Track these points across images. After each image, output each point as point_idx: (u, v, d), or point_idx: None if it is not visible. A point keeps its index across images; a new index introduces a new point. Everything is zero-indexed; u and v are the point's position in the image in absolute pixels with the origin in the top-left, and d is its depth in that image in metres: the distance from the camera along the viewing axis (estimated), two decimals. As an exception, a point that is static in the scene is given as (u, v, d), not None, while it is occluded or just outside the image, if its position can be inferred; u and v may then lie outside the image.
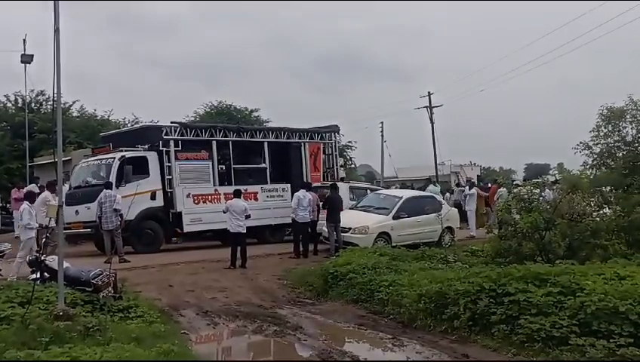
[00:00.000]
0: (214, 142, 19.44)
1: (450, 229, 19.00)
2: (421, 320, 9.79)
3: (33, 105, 31.89)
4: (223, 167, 19.83)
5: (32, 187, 17.84)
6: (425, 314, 9.84)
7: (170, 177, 18.48)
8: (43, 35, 8.89)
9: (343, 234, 17.20)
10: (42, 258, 10.27)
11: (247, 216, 15.63)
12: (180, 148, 18.76)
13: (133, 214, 17.09)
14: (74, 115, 33.56)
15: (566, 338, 8.01)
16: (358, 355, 8.52)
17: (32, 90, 32.33)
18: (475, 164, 48.68)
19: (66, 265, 9.82)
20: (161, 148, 18.51)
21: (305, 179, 20.90)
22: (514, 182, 15.94)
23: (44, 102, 32.69)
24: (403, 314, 10.25)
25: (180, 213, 18.17)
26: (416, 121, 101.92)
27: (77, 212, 17.56)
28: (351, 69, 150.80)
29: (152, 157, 18.43)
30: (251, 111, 40.71)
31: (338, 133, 23.60)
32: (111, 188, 16.35)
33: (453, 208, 20.36)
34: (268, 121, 38.97)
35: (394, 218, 17.71)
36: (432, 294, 9.81)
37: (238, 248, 15.33)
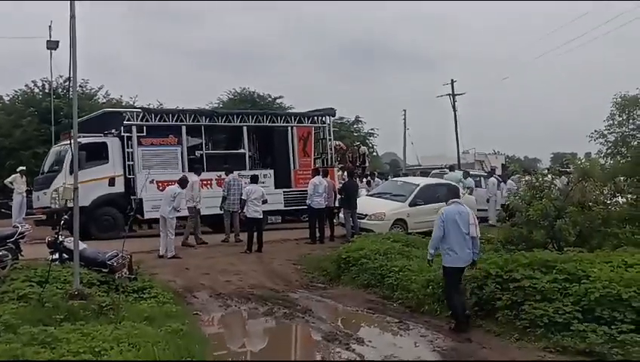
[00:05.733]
0: (184, 127, 19.09)
1: (466, 217, 18.94)
2: (428, 305, 9.93)
3: (60, 90, 32.37)
4: (200, 153, 19.39)
5: None
6: (432, 299, 9.96)
7: (132, 163, 18.15)
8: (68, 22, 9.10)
9: (359, 220, 17.29)
10: (61, 239, 10.57)
11: (264, 201, 15.86)
12: (143, 134, 18.45)
13: (89, 200, 16.78)
14: (100, 101, 34.02)
15: (568, 324, 8.11)
16: (363, 338, 8.70)
17: (61, 76, 32.81)
18: (499, 152, 48.40)
19: (82, 246, 10.17)
20: (122, 134, 18.28)
21: (292, 166, 20.67)
22: (523, 171, 15.74)
23: (70, 88, 33.17)
24: (411, 299, 10.40)
25: (142, 199, 17.50)
26: (439, 109, 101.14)
27: (38, 198, 17.96)
28: (375, 57, 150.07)
29: (113, 143, 18.22)
30: (275, 98, 40.92)
31: (333, 116, 22.95)
32: None
33: (470, 195, 20.28)
34: (291, 108, 39.11)
35: (410, 205, 17.71)
36: (439, 280, 9.89)
37: (255, 233, 15.53)
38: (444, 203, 9.68)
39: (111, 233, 16.91)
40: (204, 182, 18.20)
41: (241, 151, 20.03)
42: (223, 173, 18.04)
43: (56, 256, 10.51)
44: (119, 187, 18.06)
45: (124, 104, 33.71)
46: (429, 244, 9.35)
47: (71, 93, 9.38)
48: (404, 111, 55.76)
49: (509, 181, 22.09)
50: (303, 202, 18.73)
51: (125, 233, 11.39)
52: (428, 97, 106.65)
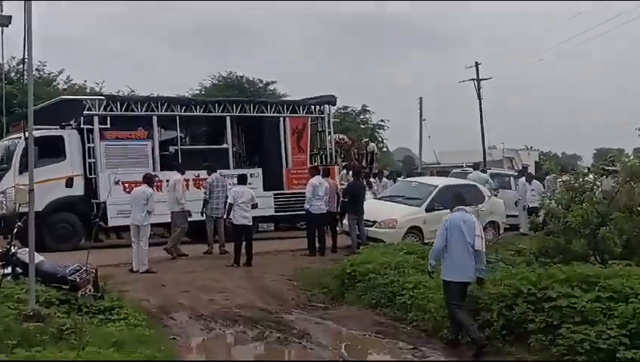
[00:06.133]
0: (155, 117, 19.13)
1: (493, 224, 19.00)
2: (447, 329, 9.90)
3: (13, 75, 32.38)
4: (175, 148, 19.49)
5: None
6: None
7: (94, 160, 18.15)
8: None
9: (366, 228, 17.34)
10: (13, 250, 10.57)
11: (254, 206, 15.88)
12: (107, 126, 18.44)
13: (42, 204, 16.28)
14: (60, 87, 34.09)
15: (613, 351, 8.08)
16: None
17: (13, 58, 32.81)
18: (532, 148, 48.45)
19: (39, 258, 10.17)
20: (82, 126, 18.29)
21: (285, 164, 20.80)
22: (560, 170, 15.75)
23: (25, 72, 33.21)
24: (428, 321, 10.41)
25: (105, 203, 17.09)
26: (461, 97, 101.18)
27: None
28: (387, 35, 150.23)
29: (71, 137, 18.23)
30: (266, 83, 41.09)
31: (334, 105, 23.11)
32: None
33: (498, 199, 20.32)
34: (285, 95, 39.28)
35: (427, 210, 17.74)
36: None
37: (243, 243, 15.55)
38: (467, 207, 9.83)
39: (68, 243, 17.01)
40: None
41: (224, 146, 20.13)
42: (202, 172, 18.15)
43: (8, 270, 10.49)
44: (78, 189, 18.09)
45: (88, 91, 33.83)
46: (430, 254, 9.81)
47: (26, 77, 9.36)
48: (420, 99, 55.62)
49: (534, 182, 22.16)
50: (297, 206, 18.85)
51: (90, 243, 11.42)
52: (448, 83, 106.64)
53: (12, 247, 10.67)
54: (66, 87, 34.54)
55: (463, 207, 9.72)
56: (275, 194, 20.23)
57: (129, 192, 16.56)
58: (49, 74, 34.51)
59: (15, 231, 10.92)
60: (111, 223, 17.83)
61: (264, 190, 19.78)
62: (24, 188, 9.49)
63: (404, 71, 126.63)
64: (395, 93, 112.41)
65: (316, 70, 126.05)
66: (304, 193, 17.57)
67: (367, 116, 45.98)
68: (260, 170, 20.19)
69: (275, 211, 20.18)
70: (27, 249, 9.78)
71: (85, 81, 35.33)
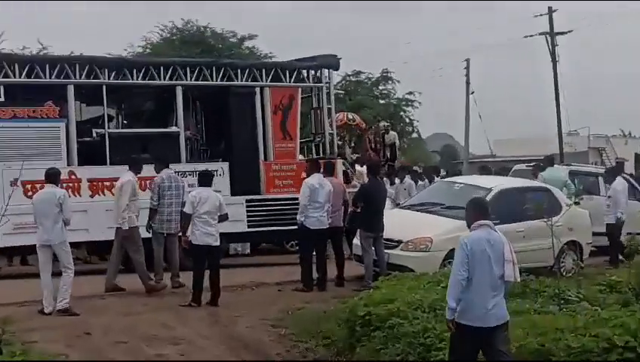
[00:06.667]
0: (71, 87, 19.18)
1: (574, 246, 19.11)
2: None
3: None
4: (101, 131, 19.50)
5: None
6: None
7: None
8: None
9: (387, 251, 17.48)
10: None
11: (223, 218, 16.01)
12: (1, 99, 18.52)
13: None
14: None
15: None
16: None
17: None
18: (630, 134, 48.53)
19: None
20: None
21: (262, 155, 20.82)
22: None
23: None
24: (477, 388, 10.49)
25: None
26: (528, 59, 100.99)
27: None
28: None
29: None
30: (241, 38, 41.05)
31: (336, 70, 23.23)
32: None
33: (581, 209, 20.36)
34: (270, 56, 39.26)
35: (476, 224, 17.78)
36: (527, 354, 9.95)
37: (207, 272, 15.65)
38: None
39: None
40: (104, 184, 18.55)
41: (173, 129, 20.25)
42: (142, 167, 18.15)
43: None
44: None
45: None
46: (448, 292, 9.67)
47: None
48: (467, 61, 55.47)
49: (618, 180, 22.05)
50: (281, 219, 19.09)
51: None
52: (509, 39, 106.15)
53: None
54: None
55: (487, 222, 9.76)
56: (247, 201, 20.26)
57: (31, 197, 16.55)
58: None
59: None
60: (3, 243, 17.69)
61: (232, 194, 19.85)
62: None
63: (441, 24, 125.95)
64: (430, 52, 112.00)
65: (317, 21, 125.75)
66: (292, 199, 17.66)
67: (388, 87, 45.71)
68: (225, 165, 20.25)
69: (249, 226, 20.20)
70: None
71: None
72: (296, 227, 17.71)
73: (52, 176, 15.16)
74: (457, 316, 9.43)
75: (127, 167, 17.73)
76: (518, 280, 9.76)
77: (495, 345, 9.39)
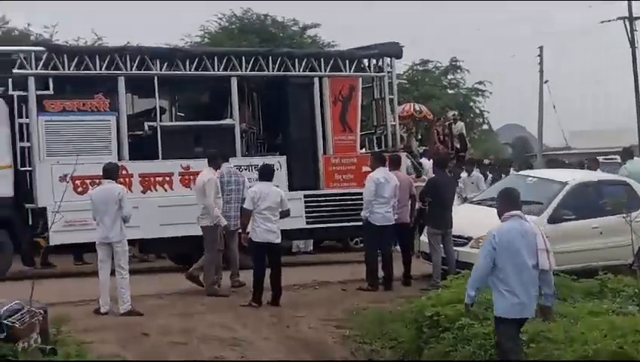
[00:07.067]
0: (122, 79, 19.06)
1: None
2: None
3: None
4: (153, 125, 19.37)
5: None
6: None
7: (29, 145, 18.22)
8: None
9: (456, 248, 17.28)
10: None
11: (285, 214, 15.81)
12: (49, 92, 18.46)
13: None
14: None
15: None
16: None
17: None
18: None
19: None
20: (10, 93, 18.31)
21: (322, 149, 20.53)
22: None
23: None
24: (553, 393, 10.25)
25: (44, 209, 17.50)
26: (604, 45, 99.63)
27: None
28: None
29: None
30: (304, 27, 40.97)
31: (399, 58, 22.68)
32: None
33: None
34: (333, 45, 39.07)
35: (551, 221, 17.56)
36: (605, 356, 9.78)
37: (269, 270, 15.53)
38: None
39: None
40: (156, 180, 18.48)
41: (228, 122, 20.12)
42: (196, 161, 18.28)
43: None
44: (4, 187, 18.09)
45: (32, 38, 34.00)
46: (470, 280, 10.25)
47: None
48: (540, 49, 55.09)
49: None
50: (340, 216, 18.89)
51: (34, 269, 11.40)
52: (584, 25, 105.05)
53: None
54: (0, 32, 34.86)
55: (517, 212, 9.94)
56: (306, 196, 20.05)
57: (81, 193, 16.83)
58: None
59: None
60: (53, 241, 17.63)
61: (290, 189, 19.50)
62: None
63: (514, 10, 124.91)
64: (499, 39, 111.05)
65: (383, 8, 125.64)
66: (352, 194, 17.38)
67: (457, 76, 45.38)
68: (282, 159, 20.05)
69: (307, 222, 19.98)
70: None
71: (29, 25, 35.58)
72: (356, 223, 17.61)
73: (110, 172, 15.09)
74: (496, 310, 9.93)
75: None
76: (554, 267, 10.01)
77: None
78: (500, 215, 10.04)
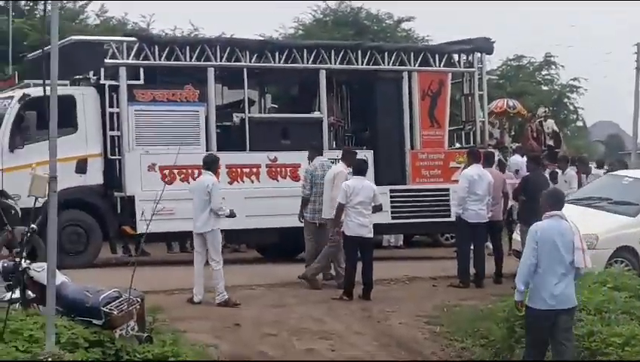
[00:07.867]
0: (211, 70, 19.30)
1: None
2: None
3: (24, 5, 33.36)
4: (241, 116, 19.51)
5: None
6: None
7: (118, 134, 18.50)
8: None
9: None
10: (24, 265, 10.82)
11: (378, 208, 15.98)
12: (140, 82, 18.73)
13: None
14: (90, 21, 34.86)
15: None
16: None
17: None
18: None
19: (61, 278, 10.41)
20: (102, 82, 18.55)
21: (410, 144, 20.54)
22: None
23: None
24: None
25: (133, 198, 17.87)
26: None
27: None
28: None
29: (86, 98, 18.52)
30: (398, 21, 40.80)
31: (489, 54, 22.63)
32: None
33: None
34: (427, 40, 38.91)
35: (646, 222, 17.46)
36: None
37: (360, 264, 15.67)
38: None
39: (78, 257, 17.36)
40: (243, 171, 18.70)
41: (316, 114, 20.21)
42: (282, 153, 18.67)
43: (16, 294, 10.66)
44: (95, 175, 18.38)
45: (129, 27, 34.31)
46: (517, 277, 10.64)
47: (49, 8, 9.58)
48: (637, 46, 54.20)
49: None
50: (427, 210, 19.08)
51: (129, 256, 11.57)
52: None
53: (22, 261, 10.88)
54: (98, 22, 35.19)
55: (558, 212, 10.56)
56: (392, 191, 20.09)
57: (169, 182, 16.99)
58: (74, 2, 35.20)
59: (26, 236, 11.19)
60: (140, 229, 17.61)
61: (376, 183, 19.30)
62: (42, 174, 9.70)
63: (609, 6, 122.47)
64: (594, 35, 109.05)
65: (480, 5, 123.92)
66: (439, 190, 17.42)
67: (552, 72, 44.74)
68: (369, 153, 19.97)
69: (393, 217, 20.02)
70: (44, 265, 10.03)
71: (126, 14, 35.88)
72: (443, 219, 17.59)
73: (208, 163, 15.37)
74: (528, 300, 10.43)
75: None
76: (590, 266, 10.73)
77: (559, 329, 10.33)
78: (542, 213, 10.67)
